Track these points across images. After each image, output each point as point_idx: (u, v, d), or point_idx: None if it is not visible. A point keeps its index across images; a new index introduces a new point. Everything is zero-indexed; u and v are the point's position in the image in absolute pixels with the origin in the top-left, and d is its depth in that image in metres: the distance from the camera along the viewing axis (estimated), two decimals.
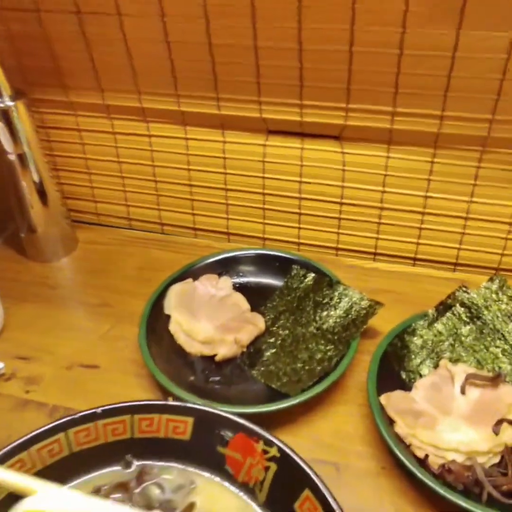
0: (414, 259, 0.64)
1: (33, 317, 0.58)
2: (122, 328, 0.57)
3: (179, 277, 0.58)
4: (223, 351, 0.51)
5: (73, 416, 0.37)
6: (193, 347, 0.52)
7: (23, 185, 0.61)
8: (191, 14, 0.54)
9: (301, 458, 0.35)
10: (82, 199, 0.73)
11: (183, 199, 0.68)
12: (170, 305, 0.55)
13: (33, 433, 0.35)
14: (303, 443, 0.45)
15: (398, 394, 0.47)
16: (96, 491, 0.35)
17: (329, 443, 0.46)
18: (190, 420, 0.38)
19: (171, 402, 0.38)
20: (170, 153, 0.65)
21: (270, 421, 0.45)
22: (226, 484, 0.37)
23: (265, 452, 0.36)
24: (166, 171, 0.67)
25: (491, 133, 0.53)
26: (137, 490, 0.36)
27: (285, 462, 0.35)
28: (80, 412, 0.37)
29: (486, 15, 0.47)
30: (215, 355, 0.51)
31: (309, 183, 0.62)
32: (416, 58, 0.50)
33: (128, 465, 0.38)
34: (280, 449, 0.36)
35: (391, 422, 0.45)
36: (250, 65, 0.56)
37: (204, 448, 0.38)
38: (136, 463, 0.38)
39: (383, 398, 0.46)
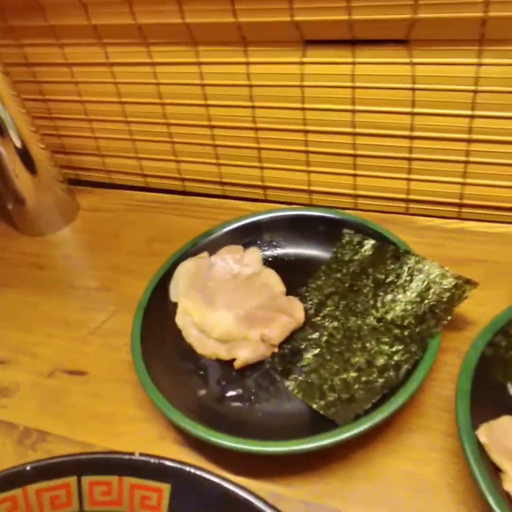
0: None
1: (14, 307, 0.46)
2: (121, 319, 0.44)
3: (192, 251, 0.44)
4: (244, 354, 0.37)
5: None
6: (207, 348, 0.38)
7: (1, 153, 0.49)
8: None
9: None
10: (86, 154, 0.59)
11: (204, 145, 0.53)
12: (178, 289, 0.41)
13: None
14: (359, 493, 0.31)
15: (505, 422, 0.31)
16: None
17: (398, 495, 0.31)
18: (166, 487, 0.24)
19: (137, 456, 0.24)
20: (181, 85, 0.50)
21: (311, 458, 0.32)
22: None
23: None
24: (178, 110, 0.52)
25: None
26: None
27: None
28: (3, 471, 0.24)
29: None
30: (234, 359, 0.37)
31: (366, 112, 0.45)
32: None
33: None
34: None
35: (496, 470, 0.29)
36: None
37: None
38: None
39: (482, 432, 0.30)
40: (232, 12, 0.43)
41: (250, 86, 0.48)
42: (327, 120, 0.47)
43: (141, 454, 0.24)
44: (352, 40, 0.42)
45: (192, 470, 0.24)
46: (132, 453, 0.25)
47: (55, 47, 0.52)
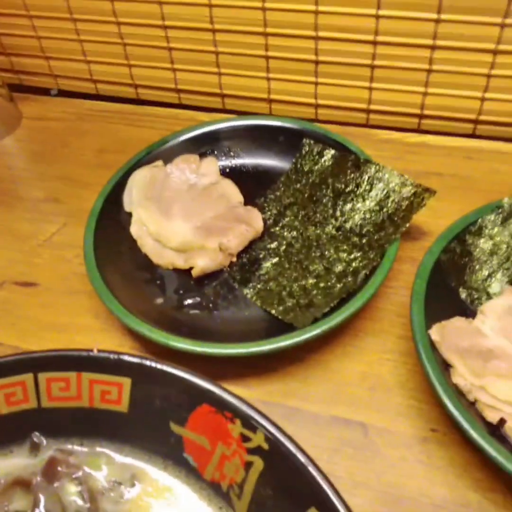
0: (476, 122, 0.45)
1: None
2: (71, 231, 0.42)
3: (146, 159, 0.42)
4: (202, 263, 0.36)
5: None
6: (163, 257, 0.38)
7: None
8: None
9: (304, 453, 0.22)
10: (28, 55, 0.55)
11: (158, 48, 0.50)
12: (132, 198, 0.40)
13: None
14: (316, 393, 0.32)
15: (457, 323, 0.32)
16: None
17: (354, 393, 0.32)
18: (126, 381, 0.24)
19: (95, 353, 0.24)
20: None
21: (269, 362, 0.33)
22: (185, 483, 0.24)
23: (244, 438, 0.22)
24: (130, 7, 0.48)
25: None
26: (46, 491, 0.23)
27: (277, 458, 0.22)
28: None
29: None
30: (192, 268, 0.37)
31: (329, 13, 0.43)
32: None
33: (35, 448, 0.25)
34: (269, 437, 0.22)
35: (447, 366, 0.30)
36: None
37: (149, 426, 0.24)
38: (46, 446, 0.24)
39: (435, 331, 0.31)
40: None
41: None
42: (289, 21, 0.44)
43: (99, 351, 0.24)
44: None
45: (153, 364, 0.23)
46: (90, 350, 0.24)
47: None
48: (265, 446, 0.22)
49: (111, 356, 0.24)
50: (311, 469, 0.21)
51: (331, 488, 0.21)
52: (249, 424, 0.22)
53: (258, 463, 0.22)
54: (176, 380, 0.23)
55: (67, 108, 0.54)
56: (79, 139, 0.50)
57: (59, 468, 0.23)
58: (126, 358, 0.24)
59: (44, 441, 0.24)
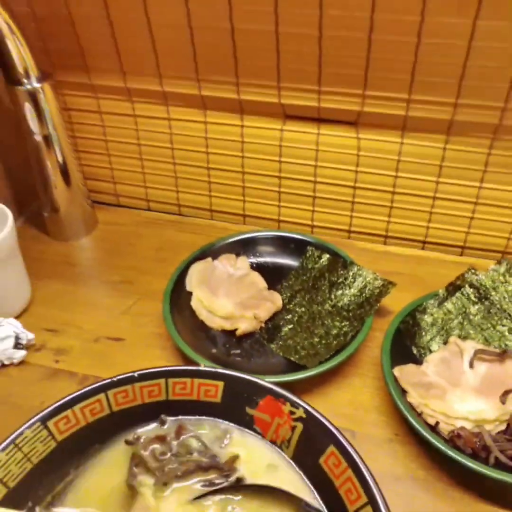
0: (424, 242, 0.66)
1: (57, 293, 0.61)
2: (144, 304, 0.59)
3: (199, 256, 0.60)
4: (243, 326, 0.54)
5: (112, 379, 0.39)
6: (214, 322, 0.55)
7: (47, 165, 0.63)
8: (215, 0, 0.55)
9: (326, 418, 0.38)
10: (102, 180, 0.75)
11: (201, 181, 0.71)
12: (192, 282, 0.58)
13: (77, 393, 0.38)
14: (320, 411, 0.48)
15: (410, 367, 0.50)
16: (136, 440, 0.38)
17: (345, 412, 0.49)
18: (220, 384, 0.40)
19: (203, 367, 0.41)
20: (189, 136, 0.67)
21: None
22: (257, 440, 0.40)
23: (292, 413, 0.39)
24: (185, 154, 0.69)
25: (503, 121, 0.55)
26: (176, 442, 0.38)
27: (310, 422, 0.38)
28: (119, 375, 0.40)
29: (502, 6, 0.48)
30: (235, 330, 0.54)
31: (324, 167, 0.65)
32: (433, 46, 0.52)
33: (163, 423, 0.40)
34: (306, 410, 0.38)
35: (404, 392, 0.48)
36: (271, 50, 0.58)
37: (234, 410, 0.40)
38: (171, 421, 0.40)
39: (396, 370, 0.48)
40: (236, 92, 0.62)
41: (242, 142, 0.66)
42: (296, 170, 0.66)
43: (205, 366, 0.41)
44: (319, 118, 0.62)
45: (237, 374, 0.40)
46: (199, 365, 0.41)
47: (93, 98, 0.68)
48: (304, 415, 0.38)
49: (212, 369, 0.41)
50: (329, 425, 0.38)
51: (341, 434, 0.37)
52: (294, 404, 0.39)
53: (299, 426, 0.38)
54: (251, 383, 0.40)
55: (129, 217, 0.72)
56: (141, 240, 0.68)
57: (183, 431, 0.39)
58: (220, 370, 0.41)
59: (168, 419, 0.40)
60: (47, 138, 0.62)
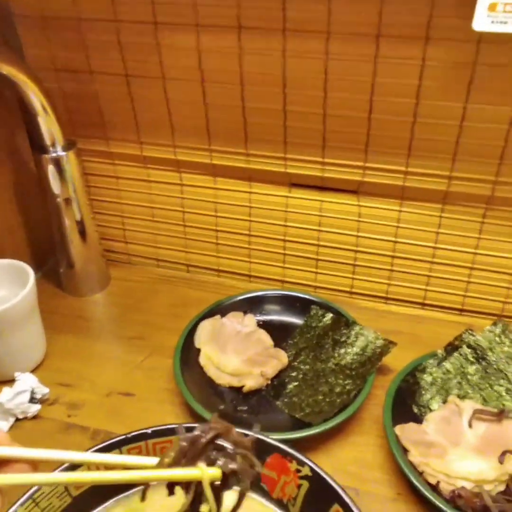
0: (423, 304, 0.69)
1: (72, 347, 0.63)
2: (155, 359, 0.61)
3: (208, 314, 0.63)
4: (250, 383, 0.56)
5: (126, 436, 0.41)
6: (222, 379, 0.57)
7: (66, 225, 0.67)
8: (229, 81, 0.61)
9: (330, 477, 0.40)
10: (115, 240, 0.79)
11: (209, 243, 0.74)
12: (200, 339, 0.60)
13: (93, 450, 0.40)
14: (325, 469, 0.49)
15: (411, 426, 0.52)
16: None
17: (349, 470, 0.50)
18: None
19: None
20: (200, 201, 0.72)
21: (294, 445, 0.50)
22: (262, 500, 0.41)
23: (298, 471, 0.41)
24: (195, 217, 0.73)
25: (495, 193, 0.59)
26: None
27: (316, 480, 0.40)
28: (132, 432, 0.42)
29: (490, 91, 0.54)
30: (242, 387, 0.56)
31: (327, 232, 0.68)
32: (427, 125, 0.57)
33: None
34: (311, 469, 0.40)
35: (405, 451, 0.49)
36: (278, 126, 0.63)
37: None
38: None
39: (398, 429, 0.50)
40: (246, 161, 0.67)
41: (250, 207, 0.70)
42: (301, 235, 0.70)
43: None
44: (322, 187, 0.66)
45: (246, 432, 0.42)
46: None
47: (110, 165, 0.73)
48: (310, 474, 0.40)
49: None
50: (333, 484, 0.39)
51: (345, 494, 0.39)
52: (300, 462, 0.41)
53: (305, 484, 0.40)
54: (259, 441, 0.42)
55: (142, 274, 0.76)
56: (153, 296, 0.71)
57: None
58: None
59: None
60: (68, 200, 0.66)
